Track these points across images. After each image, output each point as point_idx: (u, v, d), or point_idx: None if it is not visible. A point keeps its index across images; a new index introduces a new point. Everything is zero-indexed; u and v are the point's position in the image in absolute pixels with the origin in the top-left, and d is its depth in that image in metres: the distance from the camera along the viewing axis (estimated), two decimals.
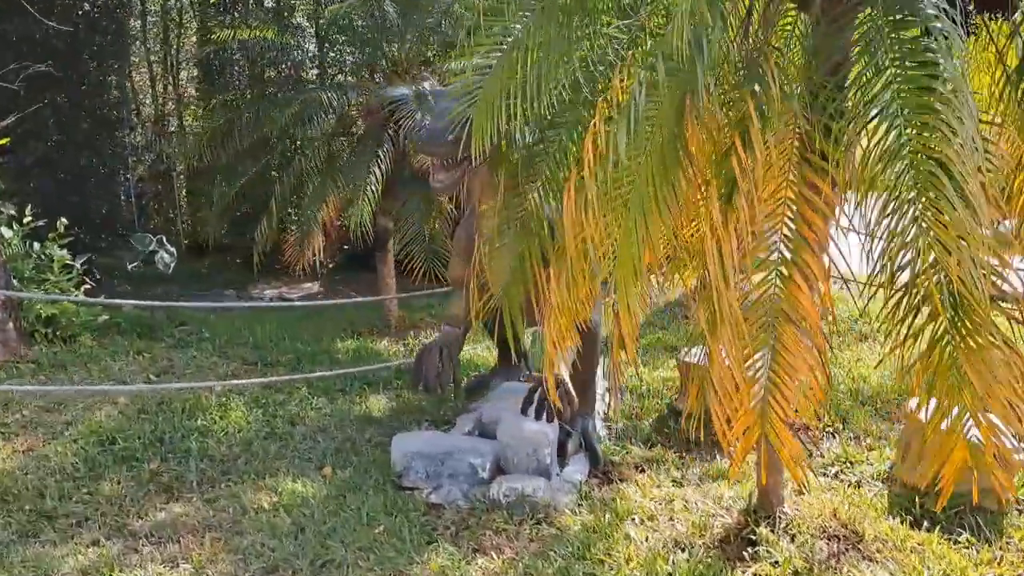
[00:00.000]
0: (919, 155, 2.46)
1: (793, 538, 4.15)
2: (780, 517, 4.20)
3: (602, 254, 2.93)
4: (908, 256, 2.52)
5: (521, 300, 3.89)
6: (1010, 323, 2.84)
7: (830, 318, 2.82)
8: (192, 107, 14.35)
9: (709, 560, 4.04)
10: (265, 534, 4.37)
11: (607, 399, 6.44)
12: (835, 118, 2.72)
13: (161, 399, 6.06)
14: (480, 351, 7.71)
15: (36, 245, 7.53)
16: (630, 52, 3.18)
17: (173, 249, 9.82)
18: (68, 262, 7.55)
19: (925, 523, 4.44)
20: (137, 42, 13.49)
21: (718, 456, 5.46)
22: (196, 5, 13.71)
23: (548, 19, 3.00)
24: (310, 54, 9.55)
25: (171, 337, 7.81)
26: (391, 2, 7.74)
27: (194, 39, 14.22)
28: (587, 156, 3.04)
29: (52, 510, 4.56)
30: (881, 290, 2.91)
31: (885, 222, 2.65)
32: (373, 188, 7.16)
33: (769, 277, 2.87)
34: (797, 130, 2.83)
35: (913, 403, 5.32)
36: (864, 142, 2.70)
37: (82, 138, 11.15)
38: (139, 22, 13.44)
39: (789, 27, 3.70)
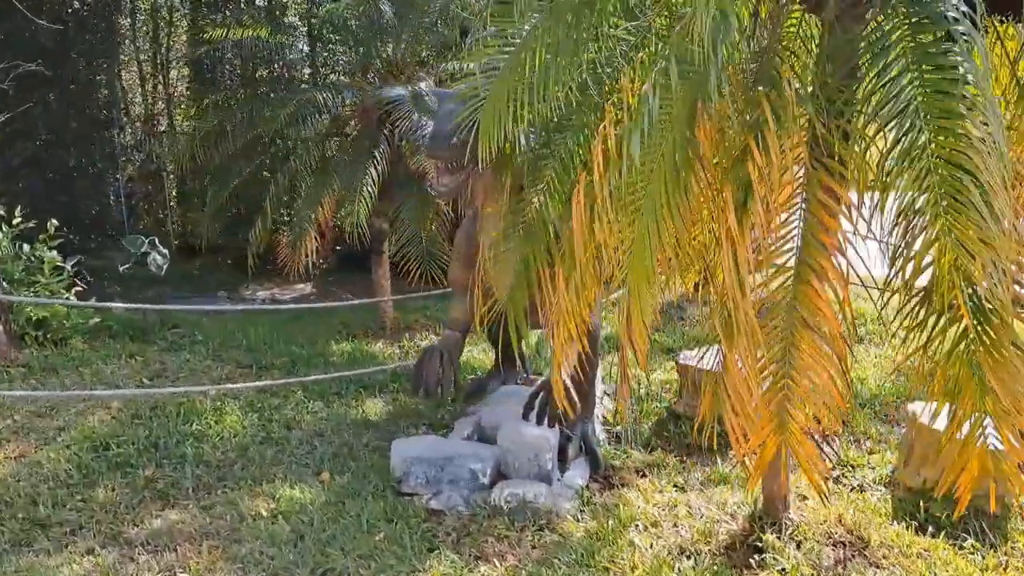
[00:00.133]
0: (939, 159, 2.42)
1: (799, 545, 4.11)
2: (786, 524, 4.16)
3: (616, 259, 2.88)
4: (928, 260, 2.47)
5: (525, 303, 3.83)
6: None
7: (849, 324, 2.77)
8: (183, 107, 14.21)
9: (716, 568, 4.00)
10: (264, 542, 4.30)
11: (605, 402, 6.40)
12: (851, 121, 2.68)
13: (155, 403, 5.97)
14: (476, 354, 7.65)
15: (26, 247, 7.42)
16: (639, 54, 3.12)
17: (166, 251, 9.70)
18: (59, 264, 7.44)
19: (930, 528, 4.42)
20: (127, 41, 13.33)
21: (719, 461, 5.42)
22: (186, 3, 13.58)
23: (557, 20, 2.94)
24: (302, 53, 9.45)
25: (163, 340, 7.72)
26: (387, 2, 7.66)
27: (184, 38, 14.08)
28: (597, 159, 2.99)
29: (46, 518, 4.47)
30: (891, 294, 2.88)
31: (902, 225, 2.61)
32: (369, 189, 7.09)
33: (785, 283, 2.83)
34: (812, 133, 2.78)
35: (913, 406, 5.30)
36: (880, 144, 2.67)
37: (71, 138, 11.03)
38: (128, 20, 13.28)
39: (794, 28, 3.68)
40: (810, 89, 2.85)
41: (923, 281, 2.84)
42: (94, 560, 4.11)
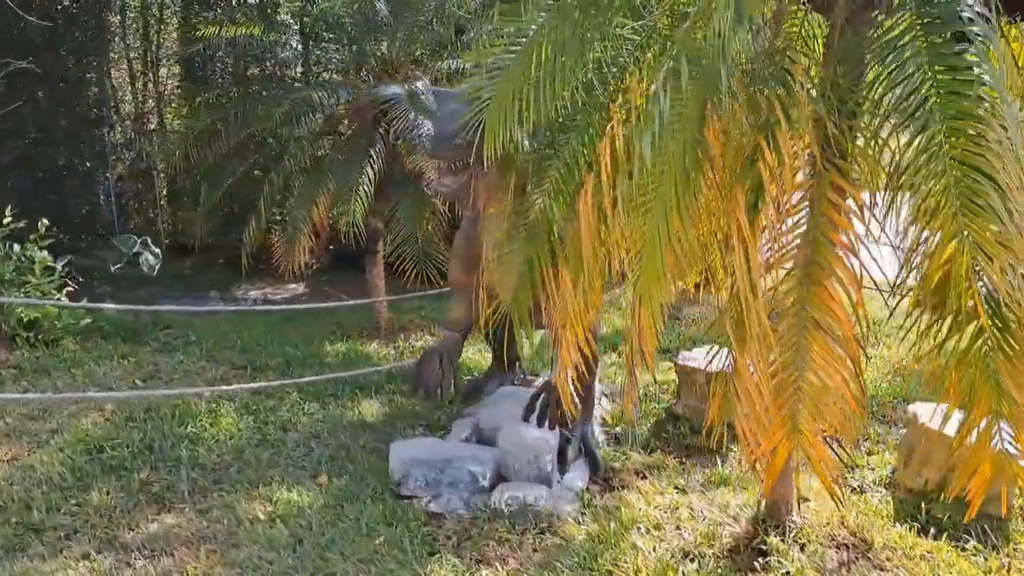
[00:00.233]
0: (954, 160, 2.40)
1: (803, 547, 4.09)
2: (789, 526, 4.13)
3: (623, 260, 2.84)
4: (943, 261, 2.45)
5: (529, 305, 3.79)
6: None
7: (863, 326, 2.74)
8: (173, 105, 14.08)
9: (720, 571, 3.98)
10: (262, 546, 4.24)
11: (602, 403, 6.37)
12: (867, 123, 2.66)
13: (149, 405, 5.90)
14: (472, 354, 7.60)
15: (16, 247, 7.32)
16: (647, 54, 3.09)
17: (158, 250, 9.59)
18: (49, 264, 7.35)
19: (932, 530, 4.41)
20: (116, 38, 13.20)
21: (719, 462, 5.40)
22: (177, 1, 13.46)
23: (564, 18, 2.91)
24: (296, 52, 9.36)
25: (156, 341, 7.63)
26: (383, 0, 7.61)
27: (174, 35, 13.96)
28: (604, 160, 2.95)
29: (40, 522, 4.40)
30: (902, 295, 2.86)
31: (916, 226, 2.59)
32: (365, 188, 7.02)
33: (797, 285, 2.80)
34: (824, 133, 2.75)
35: (913, 407, 5.30)
36: (893, 145, 2.64)
37: (61, 136, 10.90)
38: (118, 17, 13.15)
39: (795, 28, 3.65)
40: (816, 90, 2.81)
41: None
42: (90, 565, 4.05)
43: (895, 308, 2.88)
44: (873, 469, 5.22)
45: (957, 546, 4.29)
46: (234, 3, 11.23)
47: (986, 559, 4.21)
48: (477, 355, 7.56)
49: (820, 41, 3.54)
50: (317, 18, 8.77)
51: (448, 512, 4.65)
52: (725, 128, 2.86)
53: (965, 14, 2.48)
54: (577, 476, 5.11)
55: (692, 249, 2.93)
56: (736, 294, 2.68)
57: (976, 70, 2.45)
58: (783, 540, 4.07)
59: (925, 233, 2.57)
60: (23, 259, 7.23)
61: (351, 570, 4.05)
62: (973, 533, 4.38)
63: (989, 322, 2.42)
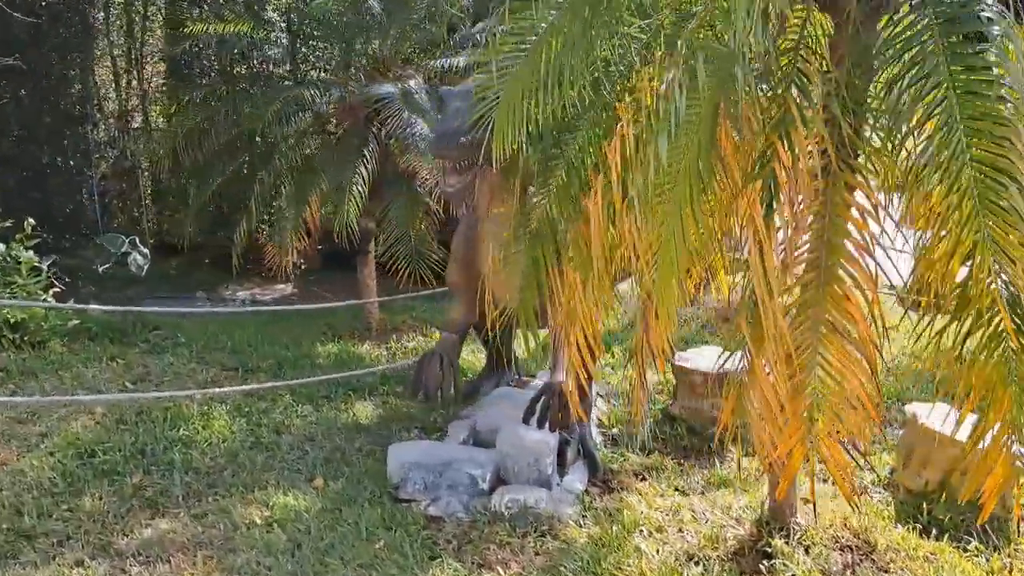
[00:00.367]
0: (973, 160, 2.37)
1: (807, 550, 4.07)
2: (794, 528, 4.11)
3: (639, 260, 2.80)
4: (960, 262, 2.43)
5: (535, 305, 3.75)
6: None
7: (879, 327, 2.72)
8: (157, 103, 13.90)
9: (725, 574, 3.95)
10: (260, 551, 4.18)
11: (598, 404, 6.33)
12: (880, 122, 2.63)
13: (140, 408, 5.80)
14: (466, 355, 7.54)
15: (1, 247, 7.19)
16: (658, 53, 3.05)
17: (146, 250, 9.45)
18: (36, 264, 7.22)
19: (933, 530, 4.41)
20: (100, 35, 13.01)
21: (718, 463, 5.39)
22: None
23: (574, 16, 2.86)
24: (285, 49, 9.24)
25: (145, 342, 7.51)
26: None
27: (159, 33, 13.78)
28: (614, 159, 2.91)
29: (31, 528, 4.31)
30: (916, 297, 2.84)
31: (933, 227, 2.56)
32: (359, 188, 6.95)
33: (812, 287, 2.77)
34: (838, 133, 2.72)
35: (912, 408, 5.30)
36: (908, 146, 2.62)
37: (45, 134, 10.74)
38: (102, 14, 12.96)
39: (797, 27, 3.63)
40: (832, 90, 2.78)
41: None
42: (84, 572, 3.97)
43: (907, 309, 2.86)
44: (872, 470, 5.21)
45: (959, 547, 4.29)
46: (221, 0, 11.07)
47: (988, 560, 4.21)
48: (471, 355, 7.50)
49: (824, 41, 3.50)
50: (308, 15, 8.64)
51: (447, 515, 4.60)
52: (737, 128, 2.82)
53: (985, 13, 2.46)
54: (576, 478, 5.07)
55: (702, 249, 2.90)
56: (749, 295, 2.64)
57: (996, 70, 2.43)
58: (788, 542, 4.05)
59: (942, 233, 2.55)
60: (8, 259, 7.10)
61: (351, 575, 3.99)
62: (974, 534, 4.39)
63: (1012, 325, 2.40)
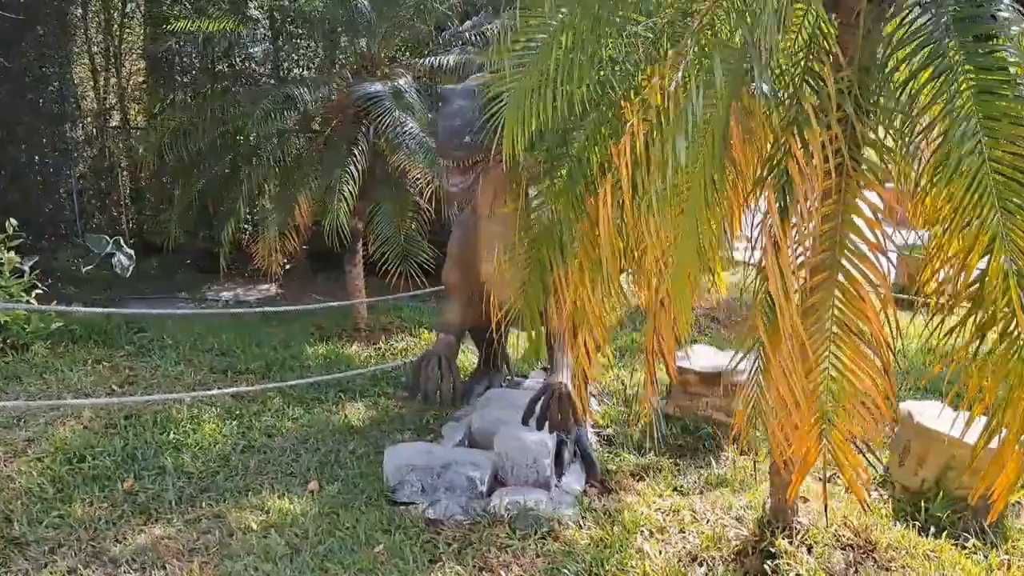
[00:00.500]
0: (990, 160, 2.37)
1: (810, 549, 4.07)
2: (796, 528, 4.11)
3: (660, 260, 2.78)
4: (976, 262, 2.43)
5: (540, 306, 3.71)
6: None
7: (893, 327, 2.71)
8: (137, 101, 13.69)
9: (729, 574, 3.94)
10: (258, 557, 4.11)
11: (592, 404, 6.31)
12: (895, 122, 2.63)
13: (128, 412, 5.70)
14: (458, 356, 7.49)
15: None
16: (666, 51, 3.02)
17: (131, 251, 9.29)
18: (18, 265, 7.08)
19: (932, 528, 4.42)
20: (79, 32, 12.79)
21: (714, 462, 5.39)
22: None
23: (584, 13, 2.83)
24: (271, 48, 9.14)
25: (131, 344, 7.38)
26: None
27: (139, 30, 13.57)
28: (624, 159, 2.88)
29: (21, 536, 4.21)
30: (927, 298, 2.84)
31: (947, 226, 2.56)
32: (350, 188, 6.88)
33: (825, 286, 2.76)
34: (852, 133, 2.72)
35: (907, 406, 5.32)
36: (923, 147, 2.62)
37: (23, 133, 10.54)
38: (80, 11, 12.74)
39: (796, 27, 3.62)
40: (844, 88, 2.77)
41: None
42: None
43: (916, 310, 2.85)
44: (881, 469, 5.22)
45: (957, 544, 4.31)
46: None
47: (986, 557, 4.23)
48: (461, 355, 7.44)
49: (833, 40, 3.49)
50: (294, 13, 8.53)
51: (446, 518, 4.55)
52: (748, 127, 2.81)
53: (1002, 13, 2.46)
54: (574, 479, 5.04)
55: (713, 249, 2.88)
56: (763, 297, 2.63)
57: (1012, 70, 2.43)
58: (791, 542, 4.04)
59: (956, 232, 2.54)
60: None
61: None
62: (971, 531, 4.41)
63: None
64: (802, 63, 2.86)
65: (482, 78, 4.29)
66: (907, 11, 2.73)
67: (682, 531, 4.39)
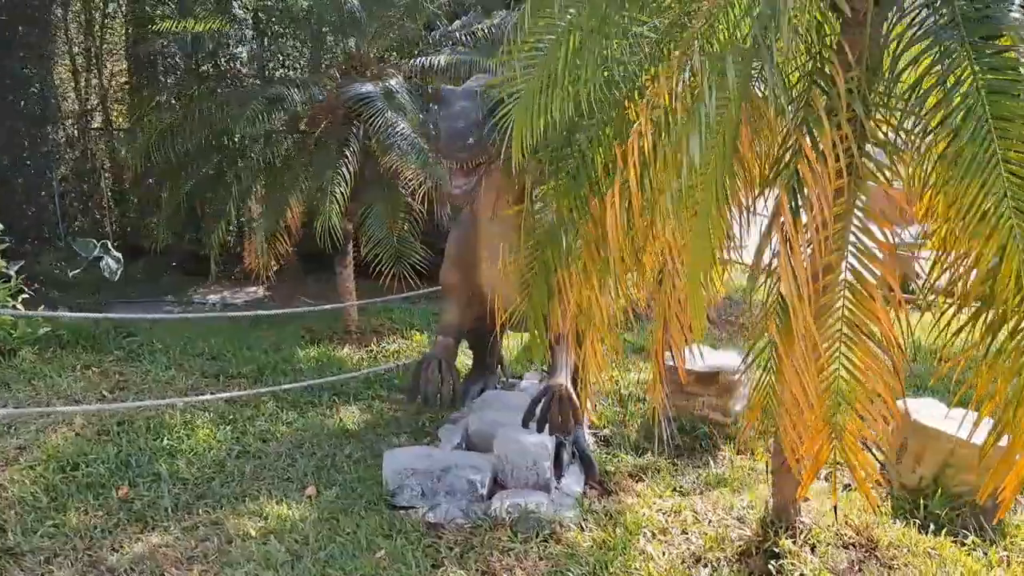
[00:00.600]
0: (1005, 162, 2.38)
1: (813, 549, 4.07)
2: (799, 527, 4.11)
3: (679, 262, 2.77)
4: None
5: (544, 308, 3.69)
6: None
7: (904, 328, 2.72)
8: (121, 102, 13.54)
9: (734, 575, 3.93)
10: (258, 564, 4.06)
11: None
12: (904, 122, 2.63)
13: (121, 418, 5.62)
14: None
15: None
16: (673, 52, 3.01)
17: (119, 255, 9.18)
18: (3, 270, 6.97)
19: (931, 525, 4.44)
20: (60, 32, 12.61)
21: (711, 462, 5.39)
22: None
23: (593, 13, 2.81)
24: (261, 48, 9.02)
25: (120, 349, 7.29)
26: None
27: (122, 30, 13.42)
28: (632, 159, 2.87)
29: (16, 546, 4.14)
30: (936, 299, 2.84)
31: (958, 228, 2.56)
32: (342, 189, 6.82)
33: (836, 287, 2.76)
34: (861, 133, 2.72)
35: (900, 403, 5.34)
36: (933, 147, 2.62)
37: (5, 135, 10.39)
38: (61, 11, 12.56)
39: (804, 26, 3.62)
40: (854, 88, 2.77)
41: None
42: None
43: (924, 309, 2.86)
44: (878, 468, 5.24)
45: (956, 541, 4.33)
46: None
47: (986, 553, 4.25)
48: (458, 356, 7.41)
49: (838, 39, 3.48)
50: (280, 12, 8.44)
51: (447, 522, 4.52)
52: (757, 128, 2.80)
53: (1013, 14, 2.46)
54: (573, 480, 5.03)
55: (723, 250, 2.87)
56: (775, 297, 2.62)
57: (1023, 70, 2.43)
58: (794, 542, 4.04)
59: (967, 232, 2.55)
60: None
61: None
62: (970, 528, 4.43)
63: None
64: (811, 63, 2.86)
65: (483, 79, 4.27)
66: (916, 11, 2.73)
67: (684, 532, 4.39)
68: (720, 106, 2.50)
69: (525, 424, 4.76)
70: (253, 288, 11.22)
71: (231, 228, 9.19)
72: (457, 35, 8.00)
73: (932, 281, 2.83)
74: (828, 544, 4.12)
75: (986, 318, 2.56)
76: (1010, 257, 2.37)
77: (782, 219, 2.59)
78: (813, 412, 2.72)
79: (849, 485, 4.95)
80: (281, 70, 10.74)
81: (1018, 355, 2.46)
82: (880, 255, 2.71)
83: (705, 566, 4.03)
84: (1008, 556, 4.29)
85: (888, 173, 2.79)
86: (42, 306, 7.33)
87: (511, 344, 7.49)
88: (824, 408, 2.78)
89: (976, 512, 4.61)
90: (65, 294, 9.41)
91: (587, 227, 3.49)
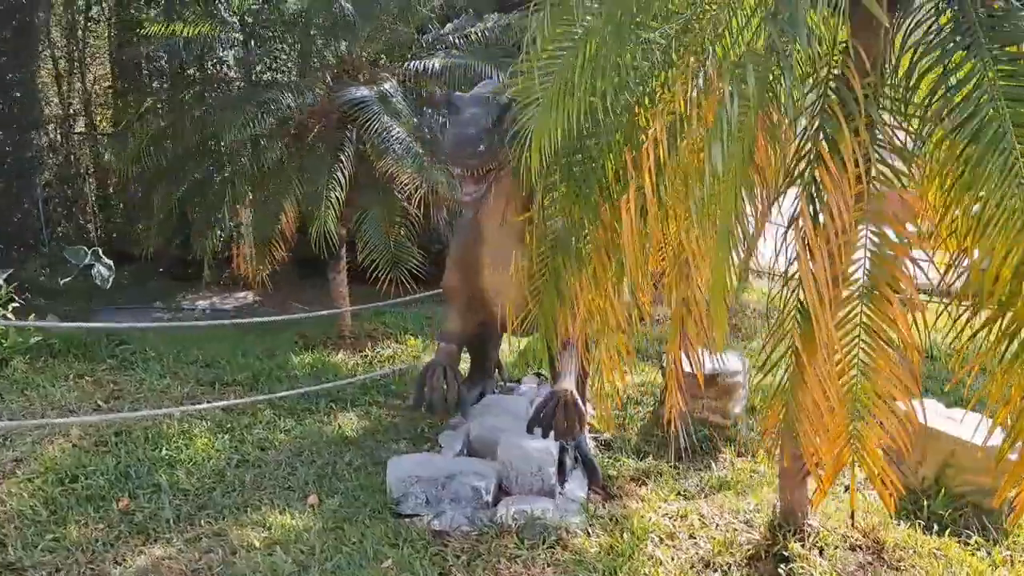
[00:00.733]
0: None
1: (822, 552, 4.08)
2: (807, 531, 4.12)
3: (702, 268, 2.77)
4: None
5: (555, 314, 3.67)
6: None
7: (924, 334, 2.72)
8: (107, 106, 13.39)
9: None
10: (264, 575, 4.02)
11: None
12: (921, 127, 2.64)
13: (118, 429, 5.55)
14: None
15: None
16: (691, 59, 3.01)
17: (110, 262, 9.07)
18: None
19: (935, 526, 4.46)
20: (41, 35, 12.45)
21: (713, 465, 5.40)
22: None
23: (608, 21, 2.80)
24: (254, 51, 8.93)
25: (113, 358, 7.19)
26: None
27: (104, 34, 13.27)
28: (648, 164, 2.86)
29: (17, 561, 4.07)
30: (953, 304, 2.85)
31: (975, 233, 2.57)
32: (337, 194, 6.77)
33: (857, 294, 2.77)
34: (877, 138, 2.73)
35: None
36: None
37: None
38: (43, 14, 12.40)
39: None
40: (871, 94, 2.78)
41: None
42: None
43: (938, 316, 2.87)
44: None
45: (960, 541, 4.36)
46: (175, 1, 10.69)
47: (989, 553, 4.28)
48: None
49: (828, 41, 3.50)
50: (270, 16, 8.37)
51: (452, 530, 4.49)
52: (773, 134, 2.80)
53: None
54: (576, 486, 5.01)
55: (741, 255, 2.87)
56: (795, 304, 2.62)
57: None
58: (803, 545, 4.05)
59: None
60: None
61: None
62: (972, 528, 4.46)
63: None
64: (826, 69, 2.86)
65: (491, 84, 4.25)
66: (932, 18, 2.74)
67: (692, 537, 4.39)
68: (740, 113, 2.49)
69: (530, 429, 4.75)
70: (242, 293, 11.14)
71: (220, 233, 9.08)
72: (450, 38, 7.97)
73: (948, 285, 2.84)
74: (836, 547, 4.13)
75: (1002, 323, 2.57)
76: None
77: (801, 225, 2.59)
78: (834, 417, 2.72)
79: (848, 487, 4.99)
80: (269, 73, 10.68)
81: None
82: (897, 259, 2.72)
83: (715, 571, 4.03)
84: (1011, 556, 4.32)
85: (904, 178, 2.80)
86: (33, 315, 7.22)
87: (508, 348, 7.46)
88: (844, 413, 2.78)
89: (979, 512, 4.65)
90: (53, 302, 9.28)
91: (597, 233, 3.48)
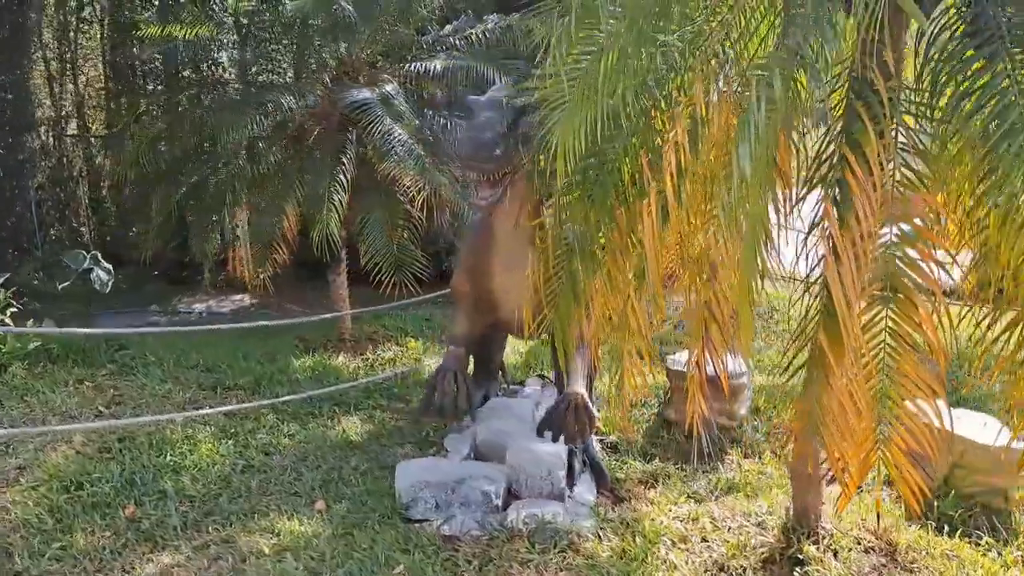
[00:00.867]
0: None
1: (836, 554, 4.07)
2: (821, 533, 4.11)
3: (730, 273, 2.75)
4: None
5: (570, 317, 3.65)
6: None
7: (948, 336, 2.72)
8: (101, 108, 13.30)
9: None
10: None
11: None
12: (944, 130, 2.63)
13: (122, 435, 5.49)
14: None
15: None
16: (712, 61, 2.99)
17: (109, 266, 8.99)
18: None
19: (945, 527, 4.47)
20: (33, 37, 12.35)
21: (720, 467, 5.40)
22: None
23: (631, 25, 2.79)
24: (234, 54, 8.86)
25: (113, 363, 7.12)
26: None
27: (97, 35, 13.17)
28: (669, 167, 2.85)
29: (24, 570, 4.02)
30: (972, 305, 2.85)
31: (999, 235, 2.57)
32: (340, 196, 6.73)
33: (880, 296, 2.76)
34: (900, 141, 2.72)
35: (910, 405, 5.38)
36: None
37: None
38: (35, 15, 12.30)
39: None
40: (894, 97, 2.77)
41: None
42: None
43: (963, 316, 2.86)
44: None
45: (971, 542, 4.36)
46: (169, 2, 10.62)
47: (1000, 554, 4.29)
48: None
49: (850, 43, 3.49)
50: (267, 17, 8.30)
51: (463, 534, 4.46)
52: (797, 139, 2.80)
53: None
54: (585, 489, 5.01)
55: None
56: (821, 308, 2.61)
57: None
58: (817, 548, 4.04)
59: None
60: None
61: None
62: (983, 528, 4.47)
63: None
64: (849, 73, 2.85)
65: (504, 88, 4.23)
66: (958, 23, 2.73)
67: (704, 540, 4.37)
68: (766, 115, 2.48)
69: (540, 433, 4.72)
70: (239, 296, 11.09)
71: (217, 237, 9.01)
72: (450, 40, 7.93)
73: (969, 288, 2.84)
74: (849, 549, 4.12)
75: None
76: None
77: (827, 227, 2.58)
78: (860, 420, 2.71)
79: (861, 489, 5.00)
80: (265, 75, 10.61)
81: None
82: (920, 262, 2.71)
83: (730, 574, 4.02)
84: (1022, 556, 4.33)
85: (928, 182, 2.79)
86: (31, 320, 7.16)
87: (510, 350, 7.43)
88: (871, 416, 2.77)
89: (988, 513, 4.66)
90: (50, 306, 9.20)
91: (613, 236, 3.46)
